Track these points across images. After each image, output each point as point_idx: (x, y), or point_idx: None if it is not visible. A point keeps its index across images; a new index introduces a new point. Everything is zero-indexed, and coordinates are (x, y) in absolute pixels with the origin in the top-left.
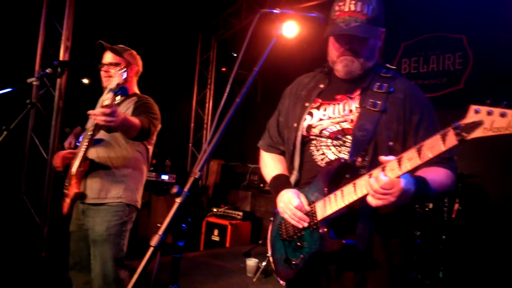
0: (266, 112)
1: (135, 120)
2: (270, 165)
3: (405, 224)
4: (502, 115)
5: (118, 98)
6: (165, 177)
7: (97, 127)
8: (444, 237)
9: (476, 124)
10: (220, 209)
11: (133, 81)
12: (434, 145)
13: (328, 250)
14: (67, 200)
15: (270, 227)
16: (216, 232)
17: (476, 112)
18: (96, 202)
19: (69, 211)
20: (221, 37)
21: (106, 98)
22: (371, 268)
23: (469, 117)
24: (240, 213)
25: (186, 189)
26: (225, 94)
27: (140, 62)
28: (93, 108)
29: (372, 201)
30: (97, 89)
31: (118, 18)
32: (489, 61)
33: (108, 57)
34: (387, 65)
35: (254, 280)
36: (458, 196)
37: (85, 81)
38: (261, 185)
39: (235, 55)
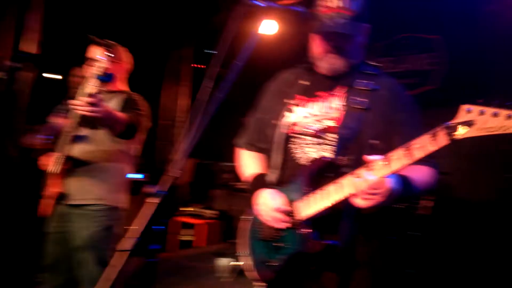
0: (241, 109)
1: (122, 115)
2: (248, 163)
3: (386, 224)
4: (495, 114)
5: (99, 85)
6: (137, 175)
7: (80, 123)
8: (419, 234)
9: (468, 124)
10: (191, 208)
11: (122, 79)
12: (424, 145)
13: (310, 251)
14: (50, 201)
15: (243, 226)
16: (187, 232)
17: (468, 111)
18: (77, 203)
19: (50, 212)
20: (199, 33)
21: (89, 86)
22: (353, 269)
23: (460, 117)
24: (214, 212)
25: (164, 188)
26: (205, 90)
27: (130, 59)
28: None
29: (359, 202)
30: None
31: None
32: (462, 61)
33: (96, 51)
34: (371, 62)
35: (226, 280)
36: (432, 193)
37: (57, 77)
38: (236, 183)
39: (214, 51)
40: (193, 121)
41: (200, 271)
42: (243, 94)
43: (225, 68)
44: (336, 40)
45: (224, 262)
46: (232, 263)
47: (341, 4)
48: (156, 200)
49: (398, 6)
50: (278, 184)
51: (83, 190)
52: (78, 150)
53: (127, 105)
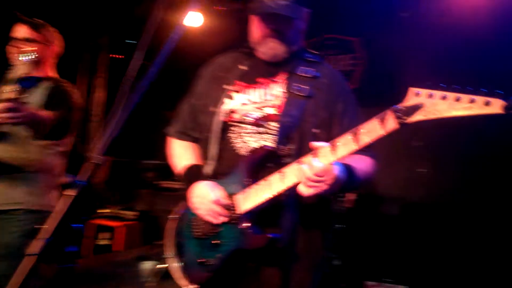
0: (162, 104)
1: (47, 115)
2: (181, 154)
3: (326, 215)
4: (444, 97)
5: (20, 89)
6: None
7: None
8: (344, 226)
9: (417, 107)
10: (109, 210)
11: (51, 63)
12: (372, 130)
13: (251, 247)
14: None
15: (169, 226)
16: (104, 235)
17: (417, 94)
18: None
19: None
20: (117, 22)
21: (9, 89)
22: (293, 262)
23: (409, 100)
24: (133, 213)
25: (82, 178)
26: (127, 82)
27: (60, 42)
28: None
29: (304, 190)
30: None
31: None
32: (380, 63)
33: (23, 31)
34: (311, 50)
35: (150, 284)
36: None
37: None
38: (158, 182)
39: (131, 41)
40: (114, 114)
41: (122, 277)
42: (167, 87)
43: (148, 60)
44: (277, 23)
45: (148, 265)
46: (158, 266)
47: None
48: (73, 192)
49: (321, 7)
50: (215, 176)
51: (3, 195)
52: (7, 149)
53: (55, 97)
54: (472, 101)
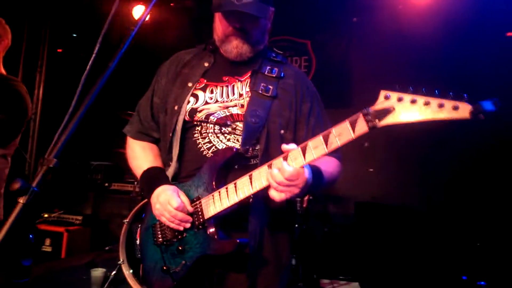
0: (108, 102)
1: None
2: (141, 156)
3: (291, 217)
4: (413, 101)
5: None
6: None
7: None
8: (297, 225)
9: (387, 111)
10: (53, 214)
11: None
12: (343, 132)
13: (218, 253)
14: None
15: (124, 230)
16: (48, 241)
17: (386, 98)
18: None
19: None
20: (55, 13)
21: None
22: (260, 267)
23: (379, 103)
24: (79, 217)
25: (34, 183)
26: (93, 56)
27: (9, 35)
28: None
29: (276, 195)
30: None
31: None
32: (328, 66)
33: None
34: (275, 49)
35: None
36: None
37: None
38: (106, 184)
39: (74, 35)
40: (69, 115)
41: (68, 285)
42: (117, 85)
43: (86, 53)
44: (241, 22)
45: (99, 273)
46: (108, 273)
47: None
48: (29, 199)
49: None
50: (177, 179)
51: None
52: None
53: (5, 97)
54: (441, 105)
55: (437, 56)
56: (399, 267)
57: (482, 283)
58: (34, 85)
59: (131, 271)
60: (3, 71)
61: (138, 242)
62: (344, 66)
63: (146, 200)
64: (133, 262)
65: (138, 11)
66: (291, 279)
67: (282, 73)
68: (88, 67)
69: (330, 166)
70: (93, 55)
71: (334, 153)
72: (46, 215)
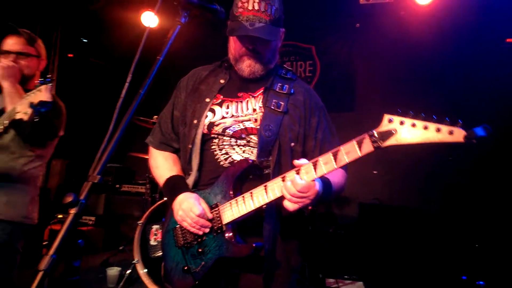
0: (125, 109)
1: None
2: (163, 165)
3: (302, 224)
4: (413, 125)
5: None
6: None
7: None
8: (309, 228)
9: (390, 133)
10: (61, 215)
11: (38, 76)
12: (351, 151)
13: (235, 255)
14: None
15: (138, 231)
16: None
17: (390, 121)
18: None
19: None
20: (66, 18)
21: (22, 111)
22: (274, 269)
23: (383, 126)
24: (92, 218)
25: (82, 196)
26: (126, 85)
27: (45, 53)
28: None
29: (289, 205)
30: None
31: None
32: (332, 70)
33: (18, 43)
34: (285, 66)
35: None
36: None
37: None
38: (116, 185)
39: (85, 40)
40: (111, 132)
41: (85, 284)
42: (129, 93)
43: (102, 60)
44: (253, 44)
45: (114, 272)
46: (123, 271)
47: (259, 7)
48: (79, 210)
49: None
50: (197, 187)
51: None
52: None
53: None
54: (438, 130)
55: (439, 61)
56: (402, 266)
57: (481, 282)
58: None
59: (145, 270)
60: None
61: (151, 242)
62: (347, 70)
63: (158, 203)
64: (147, 261)
65: (146, 17)
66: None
67: (292, 90)
68: (122, 95)
69: (337, 177)
70: (126, 84)
71: None
72: (60, 216)
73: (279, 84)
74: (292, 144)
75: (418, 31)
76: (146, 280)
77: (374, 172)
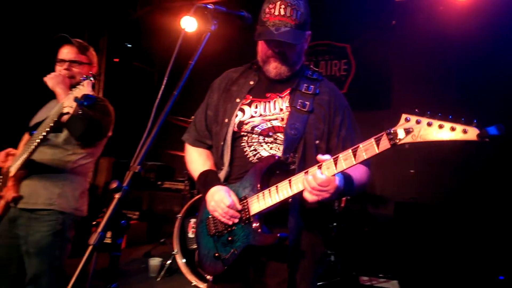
0: (162, 108)
1: (98, 116)
2: (197, 160)
3: (325, 217)
4: (429, 124)
5: (76, 107)
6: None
7: (50, 130)
8: (335, 224)
9: (407, 131)
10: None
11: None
12: (369, 148)
13: (262, 244)
14: (2, 202)
15: (177, 224)
16: (109, 234)
17: (407, 120)
18: (27, 207)
19: (3, 214)
20: (113, 25)
21: (68, 105)
22: (298, 259)
23: (400, 124)
24: (136, 213)
25: (125, 183)
26: (162, 87)
27: (97, 61)
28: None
29: (309, 196)
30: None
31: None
32: (368, 68)
33: (71, 52)
34: (312, 67)
35: (159, 279)
36: None
37: None
38: (158, 182)
39: (129, 45)
40: (150, 126)
41: (129, 272)
42: (163, 97)
43: (146, 64)
44: (280, 47)
45: (155, 262)
46: (163, 262)
47: (285, 13)
48: (122, 195)
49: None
50: (228, 181)
51: (36, 194)
52: (38, 153)
53: (96, 109)
54: (452, 128)
55: (479, 58)
56: (438, 266)
57: None
58: (94, 91)
59: (184, 260)
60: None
61: (189, 235)
62: (383, 68)
63: (195, 198)
64: (185, 252)
65: (185, 22)
66: (328, 274)
67: (318, 90)
68: (159, 96)
69: (359, 173)
70: (162, 87)
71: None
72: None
73: (305, 84)
74: (317, 141)
75: (457, 27)
76: (184, 269)
77: (411, 171)
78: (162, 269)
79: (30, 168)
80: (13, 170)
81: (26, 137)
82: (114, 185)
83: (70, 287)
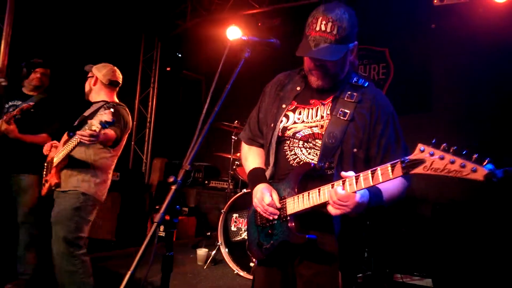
0: (209, 113)
1: (111, 135)
2: (249, 158)
3: (355, 226)
4: (441, 158)
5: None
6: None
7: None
8: (368, 222)
9: (419, 162)
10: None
11: (116, 92)
12: (384, 173)
13: (293, 242)
14: (47, 185)
15: (221, 219)
16: (161, 228)
17: (421, 151)
18: (62, 189)
19: (46, 194)
20: (165, 37)
21: (94, 124)
22: (326, 260)
23: (415, 154)
24: (185, 209)
25: (179, 178)
26: (210, 94)
27: (118, 75)
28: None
29: (331, 210)
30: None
31: (60, 15)
32: (406, 72)
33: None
34: (359, 72)
35: (205, 267)
36: None
37: None
38: (205, 181)
39: (180, 55)
40: (200, 129)
41: (179, 260)
42: (211, 103)
43: (195, 73)
44: (320, 61)
45: (202, 252)
46: (209, 252)
47: (325, 28)
48: (178, 187)
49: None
50: (272, 179)
51: (69, 180)
52: (74, 151)
53: (116, 119)
54: (462, 166)
55: None
56: (474, 268)
57: None
58: (148, 99)
59: (226, 250)
60: (117, 100)
61: (232, 228)
62: (423, 72)
63: (237, 195)
64: (228, 244)
65: (231, 32)
66: (360, 269)
67: (360, 97)
68: (206, 105)
69: (392, 186)
70: (209, 95)
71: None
72: (158, 207)
73: (348, 92)
74: (355, 150)
75: (498, 29)
76: (227, 258)
77: None
78: (208, 258)
79: (68, 161)
80: (56, 161)
81: (65, 136)
82: (171, 179)
83: (140, 254)
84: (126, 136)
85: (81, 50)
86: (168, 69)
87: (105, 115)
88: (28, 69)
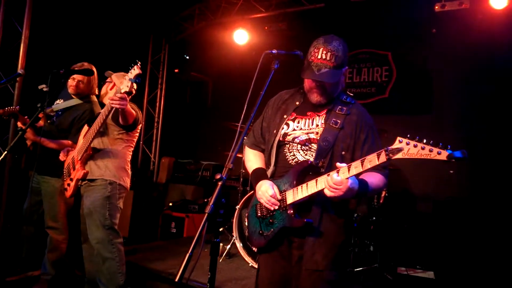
0: (216, 114)
1: (132, 111)
2: (252, 160)
3: (346, 210)
4: (415, 146)
5: (135, 86)
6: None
7: (102, 126)
8: (374, 218)
9: (398, 150)
10: (176, 203)
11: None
12: (372, 160)
13: (293, 226)
14: (72, 185)
15: (236, 214)
16: (173, 224)
17: (400, 141)
18: (90, 178)
19: (73, 194)
20: (173, 39)
21: (124, 86)
22: (321, 239)
23: (395, 144)
24: (195, 206)
25: (224, 175)
26: (247, 98)
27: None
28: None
29: (327, 193)
30: None
31: (71, 17)
32: (408, 75)
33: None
34: (348, 92)
35: (220, 260)
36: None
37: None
38: (213, 180)
39: (187, 57)
40: (241, 134)
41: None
42: (217, 101)
43: (204, 74)
44: (320, 82)
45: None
46: (227, 246)
47: (325, 57)
48: (223, 183)
49: (355, 23)
50: (273, 177)
51: (95, 169)
52: (95, 143)
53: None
54: (430, 150)
55: None
56: (474, 261)
57: None
58: (156, 99)
59: (241, 244)
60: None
61: (245, 223)
62: (423, 74)
63: (250, 193)
64: (242, 238)
65: (238, 36)
66: (367, 261)
67: (349, 111)
68: (244, 110)
69: (375, 179)
70: (246, 100)
71: (381, 171)
72: (171, 204)
73: (339, 106)
74: (343, 152)
75: (496, 35)
76: (242, 252)
77: (451, 171)
78: (223, 252)
79: (91, 151)
80: (78, 155)
81: (85, 127)
82: (217, 176)
83: (196, 238)
84: (139, 129)
85: (91, 52)
86: (176, 70)
87: (134, 71)
88: (65, 75)
